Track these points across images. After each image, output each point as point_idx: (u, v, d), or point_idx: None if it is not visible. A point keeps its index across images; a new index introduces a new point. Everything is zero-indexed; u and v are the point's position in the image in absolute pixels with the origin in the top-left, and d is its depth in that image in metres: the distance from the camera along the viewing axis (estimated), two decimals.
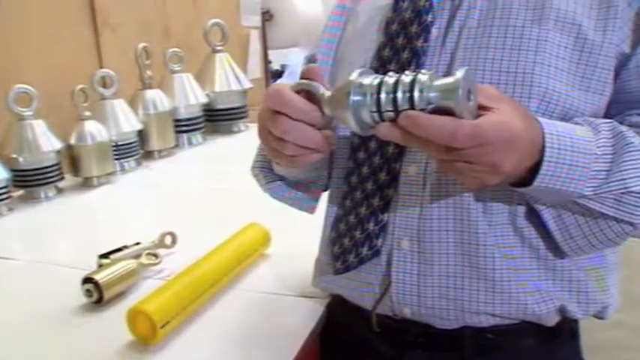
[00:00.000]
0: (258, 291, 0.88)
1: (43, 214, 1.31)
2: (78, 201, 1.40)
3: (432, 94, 0.48)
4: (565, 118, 0.59)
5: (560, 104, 0.60)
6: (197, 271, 0.83)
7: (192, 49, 1.97)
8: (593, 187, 0.55)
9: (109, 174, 1.50)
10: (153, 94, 1.70)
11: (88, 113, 1.45)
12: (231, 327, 0.79)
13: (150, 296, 0.76)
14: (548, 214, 0.60)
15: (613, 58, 0.60)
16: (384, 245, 0.66)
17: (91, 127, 1.46)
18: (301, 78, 0.58)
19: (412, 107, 0.49)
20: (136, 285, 0.89)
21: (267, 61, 2.82)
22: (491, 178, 0.52)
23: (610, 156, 0.56)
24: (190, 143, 1.86)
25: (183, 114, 1.82)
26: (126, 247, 0.96)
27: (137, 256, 0.93)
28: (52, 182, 1.39)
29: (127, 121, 1.58)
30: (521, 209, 0.62)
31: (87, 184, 1.47)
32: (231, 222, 1.00)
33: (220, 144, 1.93)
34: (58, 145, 1.39)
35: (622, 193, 0.56)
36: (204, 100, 1.87)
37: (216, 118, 2.00)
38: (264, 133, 0.59)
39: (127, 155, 1.58)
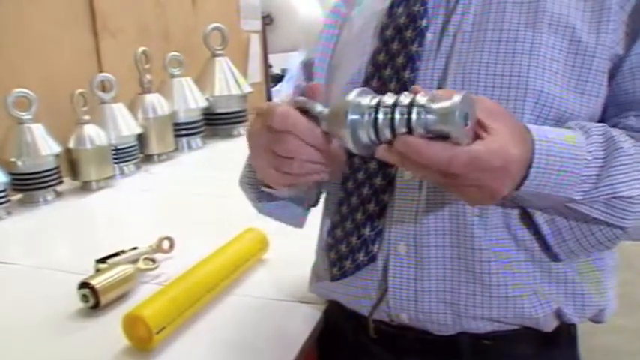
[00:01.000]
0: (255, 296, 0.88)
1: (42, 218, 1.31)
2: (77, 205, 1.39)
3: (429, 117, 0.48)
4: (560, 120, 0.59)
5: (554, 107, 0.59)
6: (194, 276, 0.83)
7: (191, 53, 1.97)
8: (582, 191, 0.55)
9: (108, 178, 1.50)
10: (152, 98, 1.70)
11: (87, 117, 1.45)
12: (228, 332, 0.79)
13: (146, 301, 0.75)
14: (541, 218, 0.60)
15: (607, 60, 0.60)
16: (380, 251, 0.66)
17: (90, 131, 1.45)
18: (301, 94, 0.57)
19: (409, 128, 0.49)
20: (133, 290, 0.89)
21: (267, 65, 2.82)
22: (488, 201, 0.53)
23: (601, 160, 0.56)
24: (190, 147, 1.86)
25: (182, 118, 1.82)
26: (123, 251, 0.96)
27: (134, 261, 0.93)
28: (51, 186, 1.38)
29: (126, 125, 1.58)
30: (515, 212, 0.62)
31: (86, 188, 1.47)
32: (230, 227, 1.00)
33: (220, 148, 1.93)
34: (57, 149, 1.39)
35: (612, 197, 0.55)
36: (203, 104, 1.87)
37: (216, 122, 2.00)
38: (262, 152, 0.58)
39: (127, 159, 1.58)
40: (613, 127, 0.60)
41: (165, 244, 1.00)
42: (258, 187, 0.72)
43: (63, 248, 1.18)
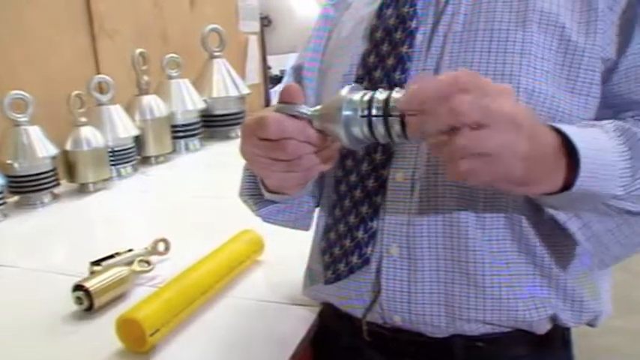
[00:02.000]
0: (250, 298, 0.87)
1: (38, 221, 1.31)
2: (73, 207, 1.39)
3: None
4: (553, 120, 0.59)
5: (546, 106, 0.59)
6: (188, 278, 0.82)
7: (189, 54, 1.96)
8: (622, 185, 0.52)
9: (105, 180, 1.50)
10: (150, 100, 1.70)
11: (83, 119, 1.45)
12: (223, 334, 0.79)
13: (140, 304, 0.75)
14: (574, 225, 0.57)
15: (597, 59, 0.60)
16: (373, 253, 0.66)
17: (87, 132, 1.45)
18: (280, 100, 0.57)
19: (403, 123, 0.49)
20: (128, 292, 0.89)
21: (266, 67, 2.82)
22: (519, 137, 0.46)
23: (627, 152, 0.53)
24: (187, 149, 1.85)
25: (180, 120, 1.82)
26: (118, 253, 0.95)
27: (129, 263, 0.93)
28: (48, 188, 1.38)
29: (123, 127, 1.57)
30: (519, 214, 0.61)
31: (83, 190, 1.47)
32: (226, 229, 1.00)
33: (218, 150, 1.93)
34: (53, 150, 1.38)
35: None
36: (201, 105, 1.87)
37: (214, 124, 1.99)
38: (264, 163, 0.58)
39: (124, 161, 1.58)
40: None
41: (161, 247, 1.00)
42: (260, 196, 0.72)
43: (59, 250, 1.18)
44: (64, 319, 0.83)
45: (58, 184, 1.42)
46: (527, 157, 0.46)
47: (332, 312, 0.74)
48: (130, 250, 0.97)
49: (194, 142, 1.87)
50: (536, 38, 0.59)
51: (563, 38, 0.60)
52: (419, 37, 0.65)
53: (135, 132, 1.60)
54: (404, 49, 0.64)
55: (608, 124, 0.56)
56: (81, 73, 1.62)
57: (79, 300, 0.83)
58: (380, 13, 0.68)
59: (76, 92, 1.44)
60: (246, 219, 1.00)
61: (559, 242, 0.62)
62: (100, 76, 1.58)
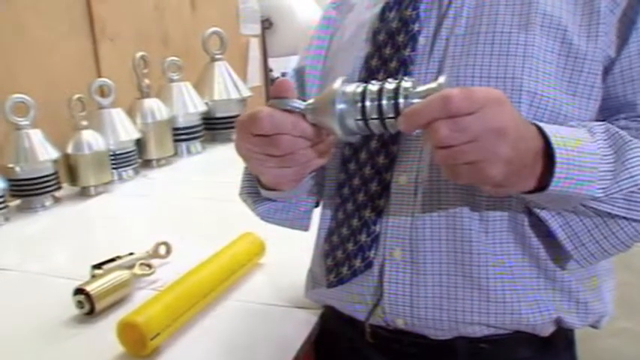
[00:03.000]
0: (252, 301, 0.87)
1: (40, 224, 1.31)
2: (75, 210, 1.39)
3: (415, 100, 0.48)
4: (555, 122, 0.58)
5: (549, 108, 0.59)
6: (189, 281, 0.82)
7: (190, 57, 1.97)
8: (603, 187, 0.53)
9: (107, 183, 1.50)
10: (151, 103, 1.70)
11: (85, 122, 1.45)
12: (225, 337, 0.78)
13: (140, 308, 0.75)
14: (555, 223, 0.58)
15: (599, 62, 0.59)
16: (376, 256, 0.65)
17: (89, 136, 1.45)
18: (272, 96, 0.57)
19: (397, 113, 0.49)
20: (129, 296, 0.89)
21: (267, 69, 2.82)
22: (505, 148, 0.48)
23: (612, 156, 0.54)
24: (189, 152, 1.85)
25: (181, 123, 1.82)
26: (119, 257, 0.95)
27: (130, 267, 0.92)
28: (49, 192, 1.38)
29: (124, 130, 1.57)
30: (522, 217, 0.61)
31: (84, 193, 1.47)
32: (228, 232, 1.00)
33: (219, 152, 1.93)
34: (55, 154, 1.38)
35: (631, 191, 0.54)
36: (203, 108, 1.87)
37: (215, 127, 1.99)
38: (259, 159, 0.57)
39: (125, 164, 1.58)
40: None
41: (162, 250, 1.00)
42: (258, 195, 0.72)
43: (60, 254, 1.17)
44: (65, 322, 0.83)
45: (59, 188, 1.42)
46: (507, 165, 0.48)
47: (334, 315, 0.73)
48: (131, 254, 0.96)
49: (196, 145, 1.87)
50: (538, 41, 0.59)
51: (565, 41, 0.59)
52: (421, 40, 0.65)
53: (136, 135, 1.60)
54: (407, 52, 0.64)
55: (598, 126, 0.57)
56: (82, 77, 1.62)
57: (80, 304, 0.83)
58: (382, 16, 0.68)
59: (78, 95, 1.44)
60: (248, 222, 0.99)
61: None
62: (101, 79, 1.57)
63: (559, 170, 0.51)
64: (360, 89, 0.52)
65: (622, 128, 0.58)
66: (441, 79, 0.48)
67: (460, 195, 0.61)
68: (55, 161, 1.39)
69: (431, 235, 0.63)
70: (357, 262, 0.65)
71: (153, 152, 1.71)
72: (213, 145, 1.96)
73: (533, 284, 0.62)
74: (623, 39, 0.60)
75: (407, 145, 0.64)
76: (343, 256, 0.67)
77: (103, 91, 1.57)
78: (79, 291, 0.83)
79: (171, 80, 1.82)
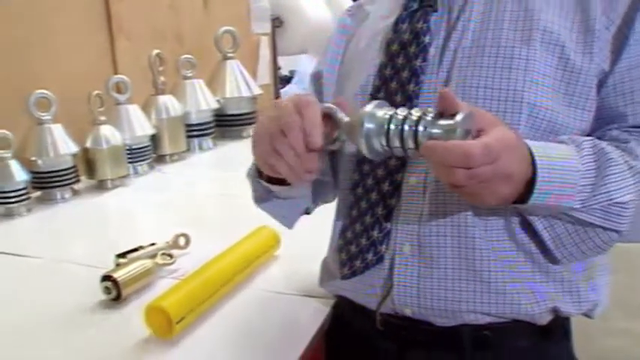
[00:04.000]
0: (267, 290, 0.93)
1: (60, 215, 1.37)
2: (93, 203, 1.45)
3: (434, 131, 0.54)
4: (553, 131, 0.64)
5: (547, 119, 0.64)
6: (210, 270, 0.88)
7: (203, 55, 2.01)
8: (581, 200, 0.60)
9: (123, 177, 1.55)
10: (165, 100, 1.76)
11: (103, 118, 1.51)
12: (242, 324, 0.84)
13: (166, 293, 0.80)
14: (540, 225, 0.65)
15: (594, 76, 0.65)
16: (387, 251, 0.71)
17: (106, 131, 1.51)
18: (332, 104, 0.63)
19: (416, 140, 0.55)
20: (152, 283, 0.94)
21: (276, 67, 2.87)
22: (506, 188, 0.56)
23: (594, 171, 0.61)
24: (201, 148, 1.91)
25: (194, 119, 1.87)
26: (142, 247, 1.01)
27: (153, 256, 0.98)
28: (69, 184, 1.44)
29: (140, 126, 1.63)
30: (516, 218, 0.67)
31: (101, 186, 1.53)
32: (241, 224, 1.05)
33: (230, 149, 1.98)
34: (74, 148, 1.44)
35: (608, 204, 0.60)
36: (215, 105, 1.92)
37: (227, 124, 2.04)
38: (265, 136, 0.62)
39: (140, 159, 1.63)
40: (599, 138, 0.65)
41: (181, 241, 1.05)
42: (259, 180, 0.77)
43: (82, 243, 1.22)
44: (92, 308, 0.89)
45: (78, 181, 1.48)
46: (504, 199, 0.58)
47: (346, 304, 0.79)
48: (153, 244, 1.02)
49: (207, 141, 1.92)
50: (539, 56, 0.65)
51: (562, 56, 0.65)
52: (432, 52, 0.70)
53: (151, 131, 1.66)
54: (418, 62, 0.69)
55: (587, 142, 0.63)
56: (99, 73, 1.67)
57: (107, 290, 0.88)
58: (396, 27, 0.73)
59: (97, 92, 1.49)
60: (260, 216, 1.05)
61: None
62: (118, 76, 1.63)
63: (538, 188, 0.58)
64: (388, 114, 0.58)
65: (613, 138, 0.64)
66: (458, 118, 0.53)
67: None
68: (74, 155, 1.44)
69: (437, 231, 0.68)
70: (370, 256, 0.71)
71: (167, 147, 1.76)
72: (223, 142, 2.01)
73: (529, 276, 0.68)
74: (616, 54, 0.65)
75: None
76: (357, 250, 0.72)
77: (119, 88, 1.62)
78: (106, 278, 0.88)
79: (185, 77, 1.88)
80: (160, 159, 1.76)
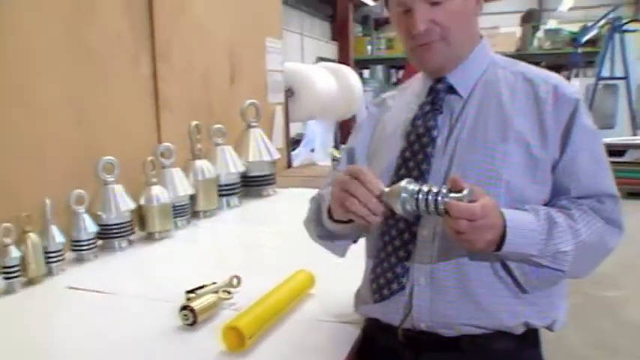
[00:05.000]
0: (308, 319, 1.17)
1: (120, 261, 1.62)
2: (145, 251, 1.71)
3: (448, 199, 0.83)
4: (522, 200, 0.92)
5: (517, 191, 0.93)
6: (267, 302, 1.13)
7: (230, 124, 2.31)
8: (538, 250, 0.89)
9: (167, 230, 1.81)
10: (201, 164, 2.04)
11: (154, 180, 1.78)
12: (292, 342, 1.09)
13: (238, 317, 1.06)
14: (514, 265, 0.93)
15: (549, 163, 0.94)
16: (407, 282, 0.97)
17: (157, 191, 1.78)
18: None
19: (436, 207, 0.84)
20: (216, 314, 1.19)
21: (289, 132, 3.18)
22: (491, 235, 0.85)
23: (546, 231, 0.89)
24: (229, 205, 2.18)
25: (224, 180, 2.15)
26: (205, 285, 1.26)
27: (215, 292, 1.23)
28: (126, 235, 1.70)
29: (182, 186, 1.90)
30: (498, 263, 0.94)
31: (150, 237, 1.79)
32: (273, 268, 1.31)
33: (253, 206, 2.26)
34: (132, 205, 1.71)
35: (555, 252, 0.89)
36: (242, 168, 2.21)
37: (249, 184, 2.33)
38: (337, 190, 0.91)
39: (181, 215, 1.90)
40: (552, 206, 0.93)
41: (235, 281, 1.31)
42: (321, 224, 1.05)
43: (143, 283, 1.47)
44: (173, 330, 1.13)
45: (133, 232, 1.74)
46: (488, 243, 0.86)
47: (375, 324, 1.05)
48: (214, 283, 1.27)
49: (234, 200, 2.20)
50: (511, 149, 0.94)
51: (527, 149, 0.94)
52: (439, 142, 0.99)
53: (191, 191, 1.93)
54: (429, 149, 0.98)
55: (542, 210, 0.91)
56: (148, 141, 1.96)
57: (185, 317, 1.13)
58: (413, 122, 1.02)
59: (150, 158, 1.77)
60: (288, 262, 1.31)
61: None
62: (164, 144, 1.91)
63: (507, 243, 0.87)
64: (416, 188, 0.86)
65: (561, 205, 0.93)
66: (465, 192, 0.82)
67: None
68: (131, 211, 1.71)
69: (444, 268, 0.95)
70: (394, 286, 0.98)
71: (201, 205, 2.03)
72: (247, 200, 2.29)
73: (508, 300, 0.95)
74: (563, 147, 0.94)
75: None
76: (384, 281, 0.99)
77: (165, 154, 1.90)
78: (185, 307, 1.14)
79: (217, 144, 2.17)
80: (195, 214, 2.03)
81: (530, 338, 0.99)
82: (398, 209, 0.87)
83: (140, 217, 1.78)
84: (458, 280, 0.94)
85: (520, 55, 11.25)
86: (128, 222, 1.70)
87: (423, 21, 0.95)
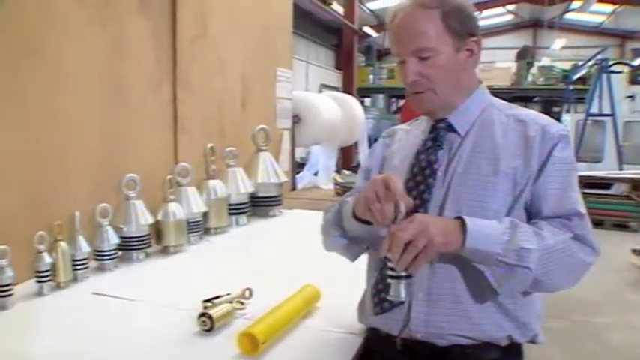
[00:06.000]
0: (314, 329, 1.30)
1: (139, 272, 1.74)
2: (160, 263, 1.83)
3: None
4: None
5: (501, 217, 1.05)
6: (277, 313, 1.25)
7: (240, 146, 2.45)
8: (501, 246, 1.00)
9: (181, 244, 1.94)
10: (215, 184, 2.17)
11: (172, 197, 1.91)
12: (300, 350, 1.21)
13: (252, 325, 1.18)
14: (488, 271, 1.03)
15: (529, 191, 1.07)
16: (406, 297, 1.09)
17: (173, 207, 1.91)
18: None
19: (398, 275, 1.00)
20: (230, 322, 1.31)
21: (294, 156, 3.32)
22: (437, 225, 0.99)
23: (509, 232, 1.00)
24: (237, 223, 2.31)
25: (234, 200, 2.28)
26: (220, 295, 1.38)
27: (229, 302, 1.35)
28: (144, 248, 1.82)
29: (196, 204, 2.03)
30: (486, 281, 1.05)
31: (165, 251, 1.91)
32: (279, 283, 1.43)
33: (260, 225, 2.39)
34: (150, 220, 1.83)
35: (519, 248, 0.99)
36: (251, 189, 2.34)
37: (257, 204, 2.46)
38: (367, 190, 1.04)
39: (194, 231, 2.02)
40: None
41: (247, 293, 1.43)
42: (340, 225, 1.18)
43: (161, 292, 1.59)
44: (192, 335, 1.25)
45: (150, 246, 1.86)
46: (444, 245, 1.00)
47: (375, 334, 1.17)
48: (229, 294, 1.39)
49: (242, 218, 2.33)
50: (500, 181, 1.07)
51: (514, 182, 1.07)
52: (439, 174, 1.12)
53: (204, 209, 2.06)
54: (430, 180, 1.12)
55: (507, 218, 1.03)
56: (166, 162, 2.10)
57: (204, 323, 1.25)
58: (417, 156, 1.16)
59: (169, 177, 1.91)
60: (294, 278, 1.43)
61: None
62: (182, 164, 2.05)
63: (469, 234, 0.99)
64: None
65: (534, 223, 1.04)
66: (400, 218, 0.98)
67: (454, 263, 1.07)
68: (150, 225, 1.84)
69: (439, 285, 1.08)
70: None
71: (213, 222, 2.16)
72: (255, 219, 2.42)
73: (494, 315, 1.07)
74: (537, 177, 1.07)
75: None
76: (385, 295, 1.11)
77: (181, 173, 2.04)
78: (203, 314, 1.26)
79: (228, 166, 2.31)
80: (206, 231, 2.15)
81: (513, 351, 1.11)
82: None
83: (157, 231, 1.90)
84: (452, 295, 1.07)
85: (515, 89, 11.57)
86: (146, 235, 1.83)
87: (412, 73, 1.10)
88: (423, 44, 1.08)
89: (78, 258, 1.57)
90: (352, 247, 1.23)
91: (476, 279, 1.06)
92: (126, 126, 1.95)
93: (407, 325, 1.10)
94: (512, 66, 12.04)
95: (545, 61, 12.13)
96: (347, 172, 4.51)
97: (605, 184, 6.89)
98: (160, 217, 1.89)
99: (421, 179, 1.13)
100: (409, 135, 1.25)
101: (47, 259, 1.47)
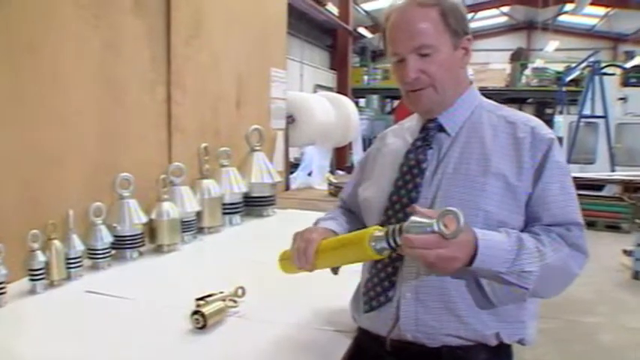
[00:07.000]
0: (303, 325, 1.31)
1: (131, 270, 1.75)
2: (154, 262, 1.83)
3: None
4: (498, 226, 1.05)
5: (494, 219, 1.07)
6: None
7: (234, 147, 2.46)
8: (506, 267, 1.01)
9: (175, 243, 1.95)
10: (208, 183, 2.19)
11: (166, 196, 1.92)
12: (287, 347, 1.22)
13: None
14: (485, 282, 1.06)
15: (524, 195, 1.08)
16: (394, 296, 1.11)
17: (167, 206, 1.92)
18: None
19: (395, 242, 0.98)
20: (223, 320, 1.32)
21: (288, 156, 3.34)
22: (456, 263, 0.96)
23: (515, 251, 1.02)
24: (231, 223, 2.32)
25: (227, 199, 2.29)
26: (213, 294, 1.39)
27: (222, 300, 1.36)
28: (137, 247, 1.83)
29: (190, 203, 2.04)
30: (474, 282, 1.07)
31: (159, 250, 1.92)
32: (272, 283, 1.44)
33: (254, 225, 2.40)
34: (144, 219, 1.84)
35: (520, 271, 1.01)
36: (244, 189, 2.36)
37: (251, 204, 2.47)
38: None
39: (188, 230, 2.03)
40: (528, 231, 1.07)
41: (240, 292, 1.44)
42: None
43: (154, 291, 1.59)
44: (185, 332, 1.26)
45: (143, 244, 1.87)
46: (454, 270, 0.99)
47: (365, 334, 1.18)
48: (222, 292, 1.40)
49: (236, 218, 2.34)
50: (490, 182, 1.08)
51: (505, 182, 1.08)
52: (427, 174, 1.14)
53: (198, 208, 2.07)
54: (418, 179, 1.13)
55: (514, 233, 1.04)
56: (160, 161, 2.11)
57: (197, 320, 1.26)
58: (407, 155, 1.17)
59: (163, 176, 1.92)
60: (286, 276, 1.43)
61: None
62: (176, 163, 2.06)
63: (478, 259, 0.98)
64: (384, 232, 0.98)
65: (533, 232, 1.06)
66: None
67: None
68: (144, 224, 1.84)
69: (427, 284, 1.09)
70: (383, 299, 1.12)
71: (206, 221, 2.17)
72: (248, 219, 2.43)
73: (484, 315, 1.08)
74: (536, 181, 1.09)
75: None
76: (374, 294, 1.13)
77: (175, 172, 2.05)
78: (196, 312, 1.27)
79: (222, 165, 2.32)
80: (200, 230, 2.16)
81: (502, 353, 1.13)
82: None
83: (151, 230, 1.91)
84: (440, 295, 1.08)
85: (509, 90, 11.63)
86: (140, 234, 1.84)
87: (414, 70, 1.11)
88: (424, 41, 1.10)
89: (71, 256, 1.58)
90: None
91: (465, 279, 1.07)
92: (120, 125, 1.96)
93: (396, 325, 1.11)
94: (507, 67, 12.10)
95: (538, 63, 12.21)
96: (341, 173, 4.53)
97: (597, 185, 6.95)
98: (153, 216, 1.90)
99: (409, 178, 1.14)
100: (399, 135, 1.27)
101: (41, 257, 1.48)
